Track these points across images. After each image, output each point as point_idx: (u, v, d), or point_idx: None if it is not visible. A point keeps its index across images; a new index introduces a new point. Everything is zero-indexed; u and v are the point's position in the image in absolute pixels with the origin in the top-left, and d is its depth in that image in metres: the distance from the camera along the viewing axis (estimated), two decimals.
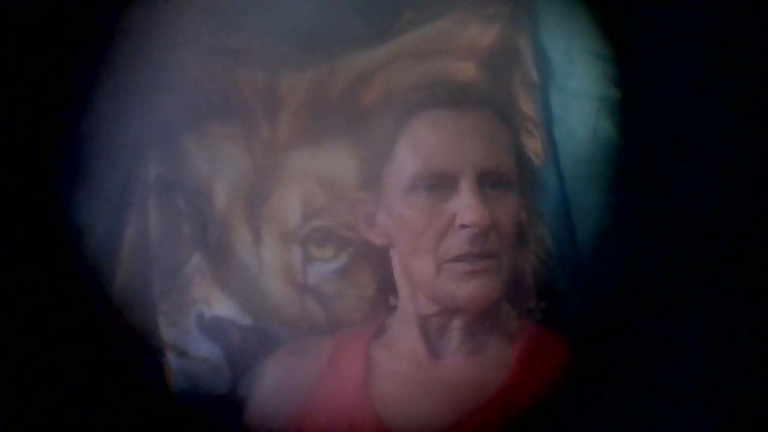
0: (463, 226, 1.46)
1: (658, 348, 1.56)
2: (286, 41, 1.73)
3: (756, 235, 1.58)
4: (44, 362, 1.59)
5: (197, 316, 1.73)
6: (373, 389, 1.52)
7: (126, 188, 1.73)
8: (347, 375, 1.55)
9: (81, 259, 1.66)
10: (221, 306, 1.73)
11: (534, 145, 1.71)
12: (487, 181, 1.48)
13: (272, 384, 1.60)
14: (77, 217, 1.67)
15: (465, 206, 1.46)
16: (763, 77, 1.59)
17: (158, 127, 1.74)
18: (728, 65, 1.59)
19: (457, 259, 1.48)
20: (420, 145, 1.50)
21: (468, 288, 1.48)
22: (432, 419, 1.48)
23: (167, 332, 1.73)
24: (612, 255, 1.65)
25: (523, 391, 1.49)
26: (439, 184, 1.48)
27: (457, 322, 1.52)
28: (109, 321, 1.67)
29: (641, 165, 1.63)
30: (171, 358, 1.72)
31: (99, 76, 1.68)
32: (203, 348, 1.72)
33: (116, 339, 1.66)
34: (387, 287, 1.61)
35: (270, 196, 1.74)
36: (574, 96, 1.71)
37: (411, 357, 1.54)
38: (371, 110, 1.69)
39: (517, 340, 1.54)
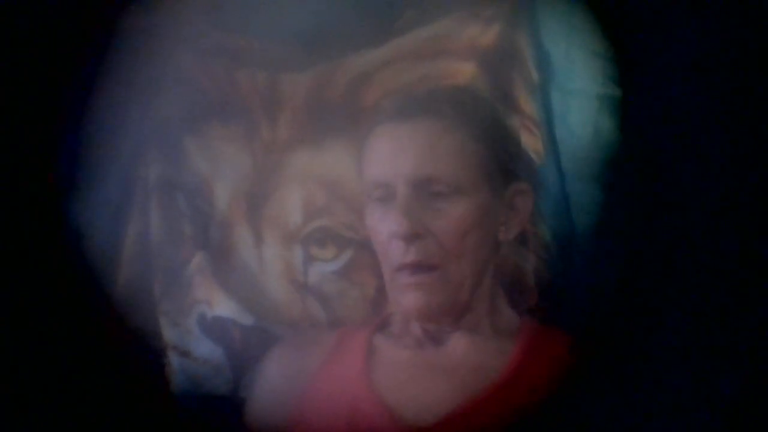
0: (394, 234, 1.48)
1: (658, 345, 1.56)
2: (287, 42, 1.73)
3: (755, 232, 1.58)
4: (46, 363, 1.59)
5: (199, 317, 1.73)
6: (375, 374, 1.54)
7: (127, 189, 1.73)
8: (349, 361, 1.56)
9: (82, 260, 1.66)
10: (222, 306, 1.73)
11: (534, 144, 1.71)
12: (425, 190, 1.49)
13: (276, 375, 1.61)
14: (78, 219, 1.67)
15: (393, 216, 1.48)
16: (763, 76, 1.58)
17: (159, 127, 1.74)
18: (728, 64, 1.59)
19: (399, 269, 1.49)
20: (368, 157, 1.54)
21: (409, 300, 1.50)
22: (435, 403, 1.49)
23: (169, 333, 1.73)
24: (612, 253, 1.65)
25: (523, 380, 1.51)
26: (384, 194, 1.51)
27: (446, 324, 1.55)
28: (111, 322, 1.67)
29: (641, 163, 1.63)
30: (173, 359, 1.72)
31: (99, 76, 1.68)
32: (205, 348, 1.73)
33: (118, 340, 1.66)
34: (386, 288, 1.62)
35: (271, 196, 1.74)
36: (575, 95, 1.71)
37: (412, 343, 1.56)
38: (371, 110, 1.69)
39: (519, 333, 1.56)
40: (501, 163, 1.54)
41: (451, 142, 1.51)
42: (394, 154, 1.50)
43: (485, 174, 1.52)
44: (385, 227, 1.50)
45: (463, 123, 1.52)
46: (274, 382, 1.61)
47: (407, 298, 1.49)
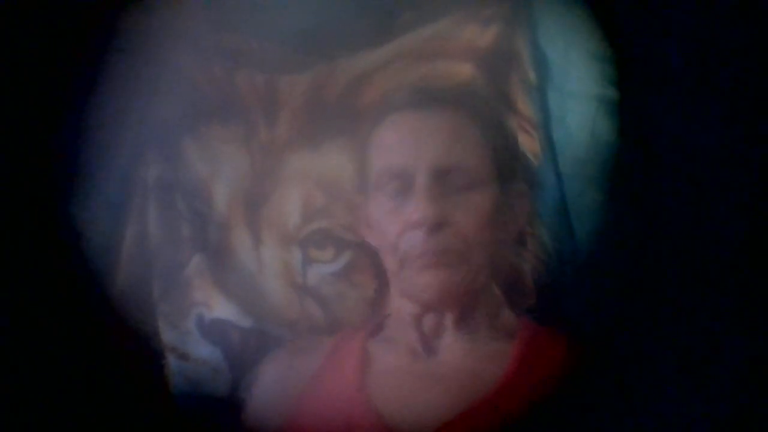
0: (415, 224, 1.48)
1: (657, 347, 1.56)
2: (285, 42, 1.73)
3: (755, 234, 1.58)
4: (45, 364, 1.58)
5: (197, 318, 1.73)
6: (369, 382, 1.53)
7: (125, 190, 1.73)
8: (344, 370, 1.56)
9: (81, 262, 1.65)
10: (221, 308, 1.72)
11: (532, 146, 1.71)
12: (446, 179, 1.50)
13: (271, 384, 1.61)
14: (77, 220, 1.66)
15: (415, 204, 1.49)
16: (762, 77, 1.59)
17: (157, 128, 1.74)
18: (727, 65, 1.60)
19: (416, 256, 1.49)
20: (382, 145, 1.54)
21: (424, 278, 1.49)
22: (429, 412, 1.49)
23: (167, 334, 1.72)
24: (610, 255, 1.65)
25: (522, 384, 1.50)
26: (400, 183, 1.51)
27: (449, 320, 1.54)
28: (109, 323, 1.66)
29: (639, 165, 1.64)
30: (171, 361, 1.72)
31: (98, 77, 1.68)
32: (203, 350, 1.72)
33: (116, 341, 1.66)
34: (385, 289, 1.62)
35: (269, 197, 1.74)
36: (573, 97, 1.71)
37: (408, 351, 1.56)
38: (370, 111, 1.69)
39: (517, 337, 1.55)
40: (503, 162, 1.55)
41: (470, 133, 1.53)
42: (414, 142, 1.51)
43: (495, 170, 1.53)
44: (399, 218, 1.50)
45: (475, 117, 1.53)
46: (270, 389, 1.61)
47: (425, 276, 1.49)
